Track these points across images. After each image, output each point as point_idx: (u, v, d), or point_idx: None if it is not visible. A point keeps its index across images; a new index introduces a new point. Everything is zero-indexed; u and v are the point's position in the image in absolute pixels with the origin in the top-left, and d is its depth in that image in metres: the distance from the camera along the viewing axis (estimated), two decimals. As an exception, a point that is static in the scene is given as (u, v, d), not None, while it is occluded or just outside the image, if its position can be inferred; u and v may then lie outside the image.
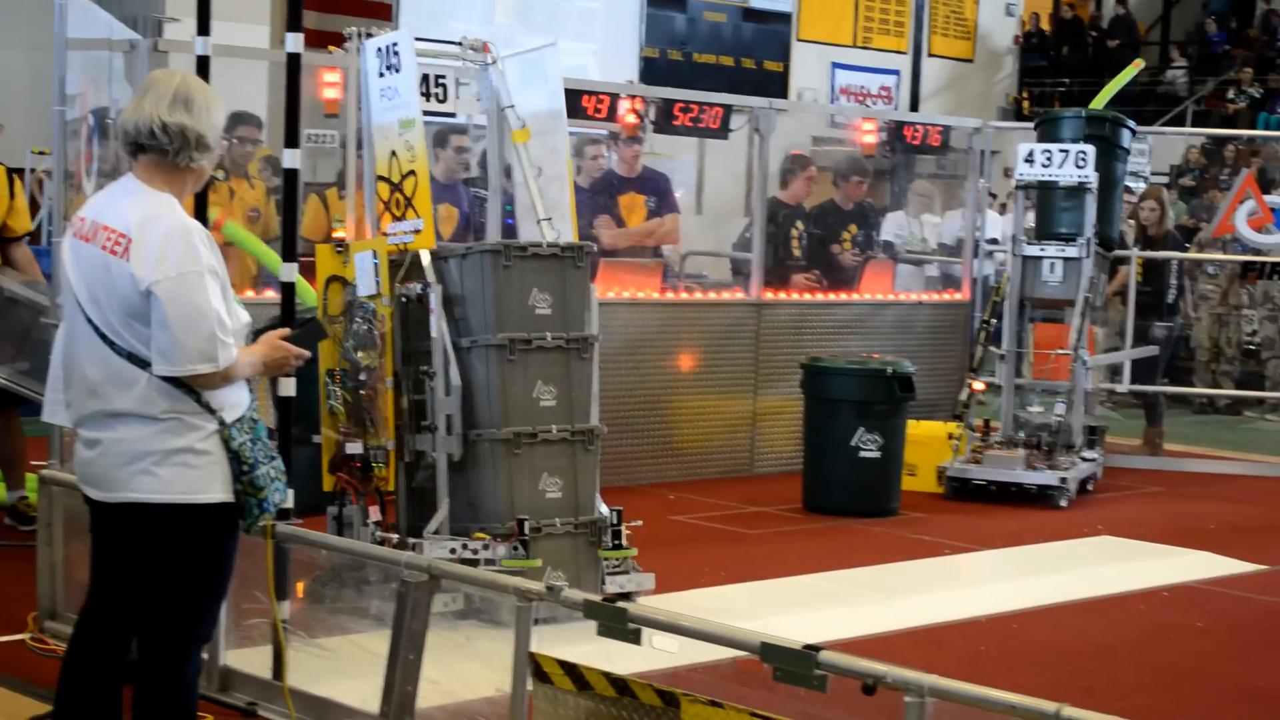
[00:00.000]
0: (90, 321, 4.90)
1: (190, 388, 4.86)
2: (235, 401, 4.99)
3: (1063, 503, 11.78)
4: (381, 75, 8.05)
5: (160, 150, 4.94)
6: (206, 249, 4.89)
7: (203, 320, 4.79)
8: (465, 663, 6.71)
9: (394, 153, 7.97)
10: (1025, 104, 28.39)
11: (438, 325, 7.74)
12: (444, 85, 8.72)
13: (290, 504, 6.07)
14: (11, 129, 17.72)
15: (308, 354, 5.31)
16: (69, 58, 8.62)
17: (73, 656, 5.19)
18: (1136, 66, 13.83)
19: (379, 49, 8.05)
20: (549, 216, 8.24)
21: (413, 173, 7.87)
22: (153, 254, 4.78)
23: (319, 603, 7.64)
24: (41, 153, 16.98)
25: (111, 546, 5.11)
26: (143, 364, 4.85)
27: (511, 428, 7.71)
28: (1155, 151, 23.35)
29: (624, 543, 8.09)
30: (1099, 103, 13.86)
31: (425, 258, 7.86)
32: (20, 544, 8.75)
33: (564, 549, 7.82)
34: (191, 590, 5.04)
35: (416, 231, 7.88)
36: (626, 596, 7.84)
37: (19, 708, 6.45)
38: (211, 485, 4.93)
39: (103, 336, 4.88)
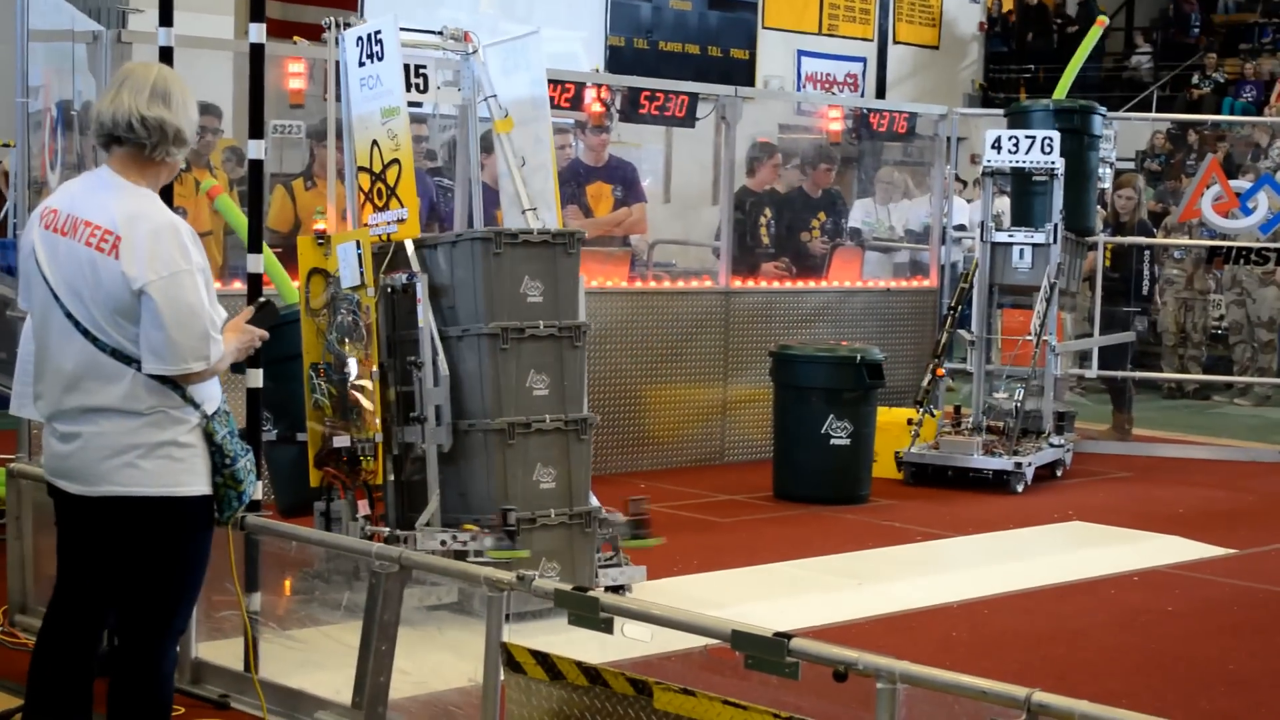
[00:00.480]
0: (70, 316, 4.85)
1: (175, 382, 4.84)
2: (212, 394, 4.98)
3: (1019, 488, 11.82)
4: (362, 64, 8.01)
5: (138, 144, 4.90)
6: (194, 246, 4.86)
7: (196, 319, 4.78)
8: (437, 653, 6.71)
9: (375, 142, 7.94)
10: (987, 90, 28.44)
11: (424, 315, 7.70)
12: (424, 75, 8.69)
13: (259, 495, 6.05)
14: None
15: (267, 334, 5.31)
16: (32, 49, 8.58)
17: (42, 651, 5.15)
18: (1100, 26, 13.83)
19: (359, 38, 8.02)
20: (534, 206, 8.22)
21: (396, 161, 7.84)
22: (143, 253, 4.74)
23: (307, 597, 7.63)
24: (5, 144, 16.85)
25: (83, 540, 5.06)
26: (126, 360, 4.81)
27: (505, 418, 7.64)
28: (1121, 137, 23.44)
29: (645, 532, 8.16)
30: (1067, 76, 13.86)
31: (410, 247, 7.83)
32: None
33: (558, 539, 7.75)
34: (170, 584, 5.00)
35: (401, 221, 7.85)
36: (619, 589, 7.85)
37: (-12, 702, 6.43)
38: (194, 478, 4.92)
39: (84, 332, 4.83)
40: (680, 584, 8.66)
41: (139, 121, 4.87)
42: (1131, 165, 23.13)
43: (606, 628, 5.07)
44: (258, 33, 6.58)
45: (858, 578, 9.15)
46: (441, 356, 7.72)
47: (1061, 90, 13.77)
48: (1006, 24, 29.93)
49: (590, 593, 5.15)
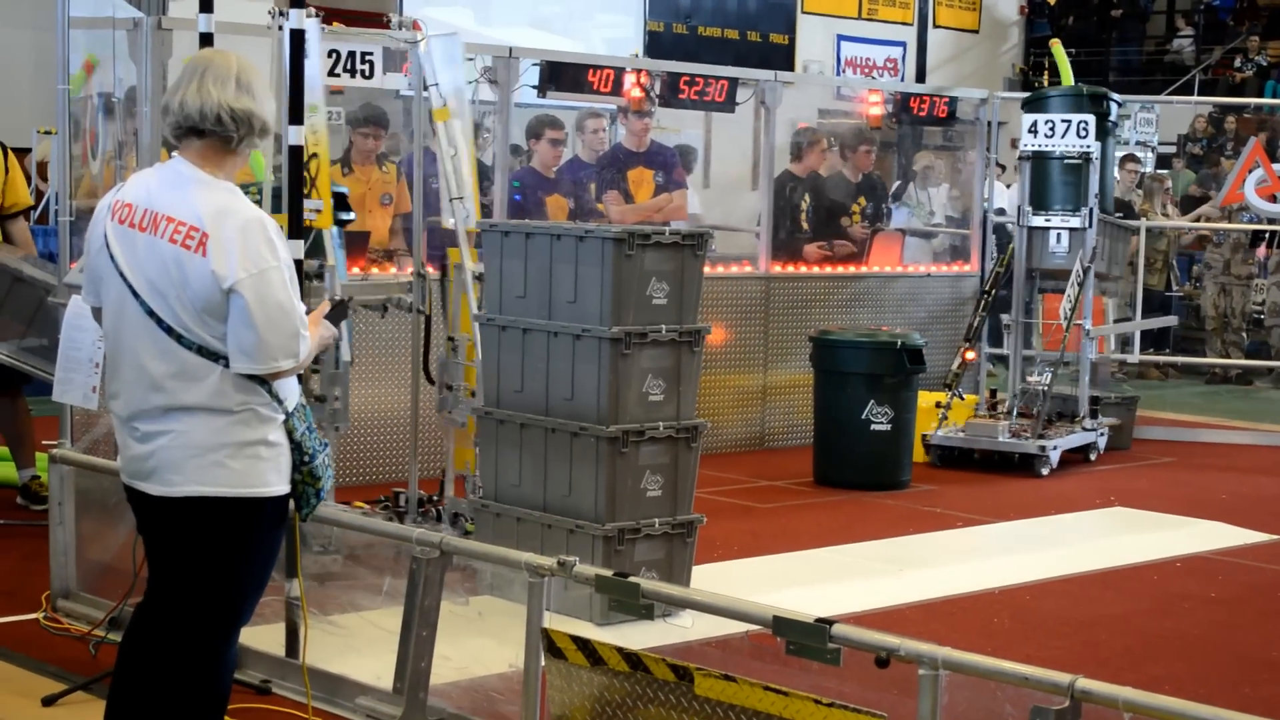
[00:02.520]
0: (152, 314, 4.71)
1: (262, 379, 4.72)
2: (292, 390, 4.88)
3: (1043, 471, 11.82)
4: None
5: (224, 137, 4.77)
6: (280, 241, 4.73)
7: (286, 318, 4.66)
8: (478, 639, 6.71)
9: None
10: (1028, 74, 28.31)
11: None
12: (370, 62, 8.73)
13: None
14: (17, 108, 17.76)
15: (338, 333, 5.30)
16: (73, 36, 8.59)
17: (129, 651, 5.01)
18: (1056, 45, 13.81)
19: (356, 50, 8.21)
20: (461, 195, 8.27)
21: (315, 155, 7.86)
22: (233, 250, 4.61)
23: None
24: (48, 132, 16.93)
25: (168, 541, 4.91)
26: (213, 357, 4.68)
27: (619, 425, 7.49)
28: (1162, 121, 23.35)
29: None
30: (1064, 72, 13.78)
31: (327, 238, 7.86)
32: (31, 524, 8.75)
33: (659, 549, 7.66)
34: (241, 579, 4.89)
35: (317, 211, 7.87)
36: None
37: (33, 686, 6.45)
38: (278, 477, 4.81)
39: (168, 330, 4.70)
40: (721, 570, 8.65)
41: (228, 114, 4.73)
42: (1173, 149, 23.04)
43: (647, 614, 5.07)
44: (298, 19, 6.58)
45: (899, 564, 9.13)
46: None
47: (1066, 78, 13.70)
48: (1047, 7, 29.79)
49: (630, 578, 5.14)
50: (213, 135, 4.77)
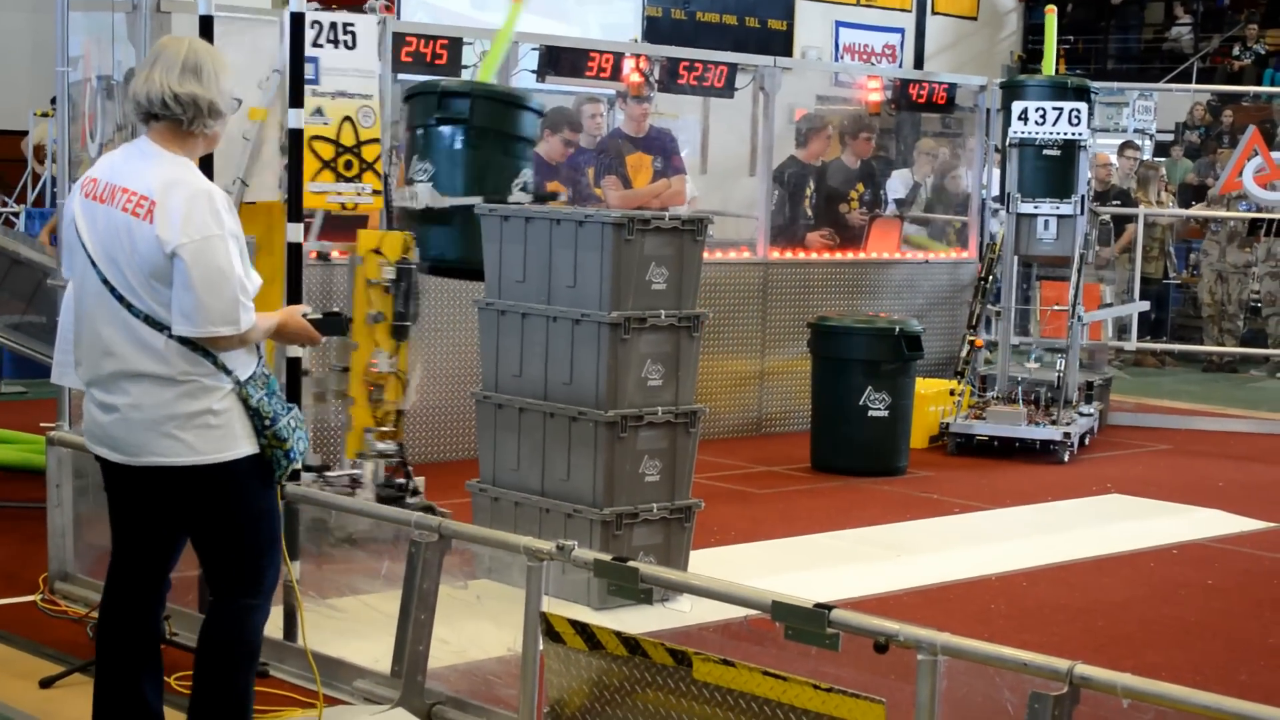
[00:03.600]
0: (106, 282, 4.91)
1: (206, 350, 4.89)
2: (246, 361, 5.02)
3: (1065, 457, 11.86)
4: (320, 45, 8.50)
5: (174, 119, 4.96)
6: (227, 213, 4.92)
7: (225, 283, 4.82)
8: (476, 622, 6.72)
9: (349, 118, 8.42)
10: (1026, 62, 28.28)
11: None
12: (352, 33, 8.77)
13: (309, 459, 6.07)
14: (14, 91, 17.74)
15: (320, 339, 5.39)
16: (72, 19, 8.58)
17: (107, 618, 5.24)
18: (1051, 14, 13.77)
19: (329, 23, 8.42)
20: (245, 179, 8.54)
21: (376, 139, 8.17)
22: (177, 217, 4.81)
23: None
24: (45, 115, 16.92)
25: (134, 506, 5.14)
26: (160, 326, 4.86)
27: (618, 410, 7.49)
28: (1160, 109, 23.35)
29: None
30: (1048, 62, 13.73)
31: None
32: (29, 505, 8.74)
33: (657, 534, 7.67)
34: (243, 542, 5.10)
35: (377, 194, 8.31)
36: None
37: (31, 668, 6.46)
38: (234, 442, 4.97)
39: (119, 298, 4.89)
40: (719, 555, 8.66)
41: (172, 99, 4.93)
42: (1171, 137, 23.05)
43: (646, 598, 5.07)
44: (298, 1, 6.58)
45: (896, 549, 9.13)
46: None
47: (1048, 68, 13.69)
48: (1045, -5, 29.77)
49: (629, 563, 5.14)
50: (164, 119, 4.97)
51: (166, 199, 4.84)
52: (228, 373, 4.93)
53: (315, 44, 8.24)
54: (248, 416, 4.97)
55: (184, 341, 4.86)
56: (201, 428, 4.90)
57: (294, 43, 6.61)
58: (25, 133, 17.73)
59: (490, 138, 7.94)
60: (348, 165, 8.14)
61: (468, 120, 8.35)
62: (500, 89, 8.94)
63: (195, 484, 4.96)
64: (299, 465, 5.23)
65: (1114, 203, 15.50)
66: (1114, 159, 17.09)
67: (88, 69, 9.05)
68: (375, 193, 8.27)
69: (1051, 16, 13.59)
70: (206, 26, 6.49)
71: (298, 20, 6.62)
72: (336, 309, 5.44)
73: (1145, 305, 14.27)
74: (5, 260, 9.30)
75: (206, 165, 5.58)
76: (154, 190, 4.86)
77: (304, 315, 5.28)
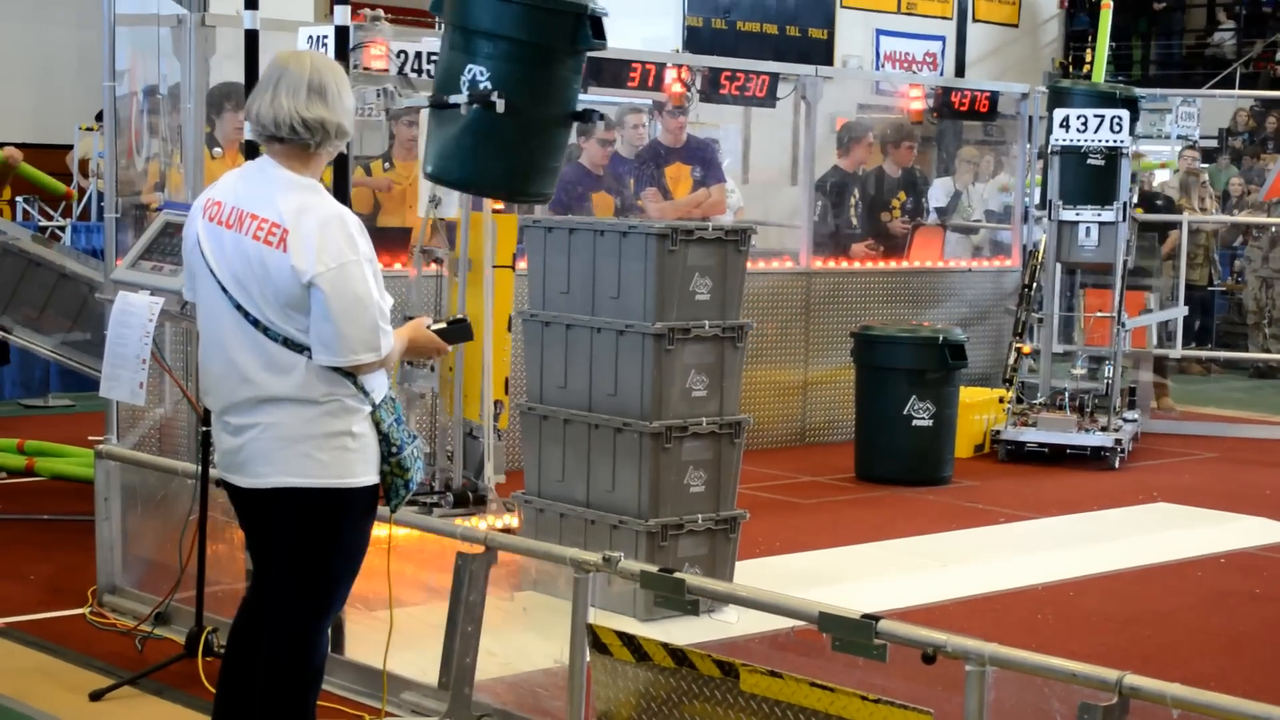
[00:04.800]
0: (239, 308, 4.82)
1: (347, 371, 4.82)
2: (380, 383, 4.96)
3: (1116, 463, 11.88)
4: None
5: (301, 143, 4.87)
6: (361, 236, 4.82)
7: (365, 311, 4.75)
8: (523, 634, 6.72)
9: None
10: (1068, 68, 28.21)
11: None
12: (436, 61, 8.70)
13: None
14: (60, 105, 17.86)
15: (448, 349, 5.34)
16: (117, 34, 8.63)
17: (235, 644, 5.15)
18: (1107, 9, 13.70)
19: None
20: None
21: None
22: (312, 245, 4.71)
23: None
24: (89, 129, 17.03)
25: (265, 532, 5.04)
26: (299, 348, 4.79)
27: (663, 421, 7.47)
28: (1204, 115, 23.22)
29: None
30: (1099, 60, 13.70)
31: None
32: (77, 518, 8.78)
33: (702, 544, 7.65)
34: (332, 571, 5.00)
35: None
36: None
37: (81, 681, 6.50)
38: (366, 468, 4.90)
39: (254, 322, 4.80)
40: (764, 565, 8.65)
41: (300, 124, 4.83)
42: (1215, 143, 22.95)
43: (692, 609, 5.08)
44: (342, 14, 6.62)
45: (942, 559, 9.11)
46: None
47: (1098, 73, 13.65)
48: (1087, 1, 29.67)
49: (675, 574, 5.14)
50: (290, 142, 4.86)
51: (299, 226, 4.74)
52: (366, 394, 4.88)
53: (401, 72, 8.11)
54: (377, 442, 4.93)
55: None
56: (339, 449, 4.84)
57: (339, 56, 6.64)
58: (71, 147, 17.83)
59: (451, 31, 7.13)
60: None
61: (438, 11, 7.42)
62: None
63: (315, 506, 4.87)
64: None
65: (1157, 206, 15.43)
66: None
67: (133, 83, 9.10)
68: None
69: (1106, 13, 13.55)
70: (252, 40, 6.53)
71: (342, 34, 6.65)
72: (460, 315, 5.36)
73: (1184, 310, 14.21)
74: (53, 275, 9.35)
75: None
76: (285, 217, 4.76)
77: (428, 326, 5.21)
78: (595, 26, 6.94)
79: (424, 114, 7.32)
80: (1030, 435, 12.14)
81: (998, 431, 12.15)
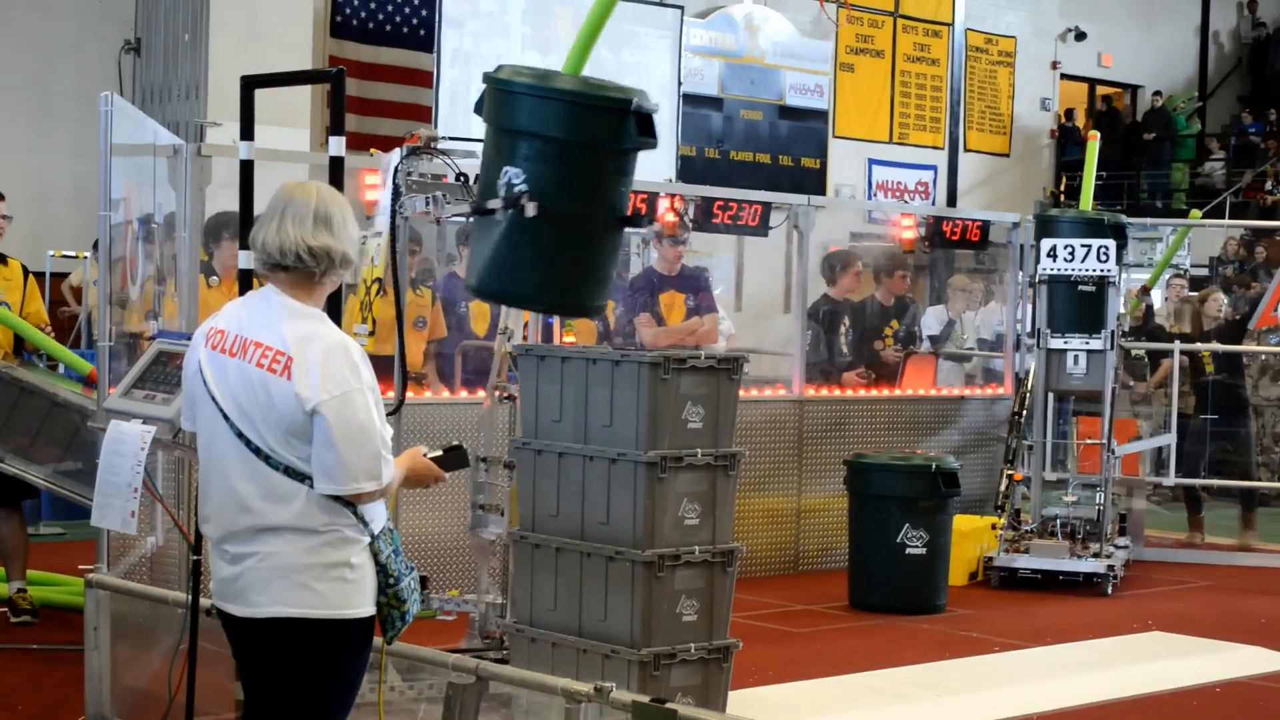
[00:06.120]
0: (241, 436, 4.83)
1: (348, 500, 4.82)
2: (379, 513, 4.95)
3: (1109, 589, 11.91)
4: (382, 188, 8.18)
5: (306, 272, 4.91)
6: (364, 365, 4.84)
7: (367, 439, 4.76)
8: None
9: (371, 258, 8.09)
10: (1059, 197, 28.41)
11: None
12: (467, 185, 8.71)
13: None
14: (55, 232, 17.93)
15: (446, 477, 5.32)
16: (113, 163, 8.70)
17: None
18: (1094, 140, 13.82)
19: (384, 164, 8.21)
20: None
21: (378, 280, 7.93)
22: (316, 373, 4.74)
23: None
24: (80, 256, 17.05)
25: (258, 663, 4.98)
26: (300, 477, 4.79)
27: (655, 549, 7.41)
28: (1194, 244, 23.39)
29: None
30: (1086, 188, 13.79)
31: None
32: (66, 647, 8.73)
33: (694, 674, 7.56)
34: (326, 703, 4.95)
35: (371, 335, 7.95)
36: None
37: (66, 814, 6.44)
38: (363, 599, 4.88)
39: (256, 451, 4.81)
40: (757, 695, 8.59)
41: (306, 252, 4.86)
42: (1205, 271, 23.07)
43: (685, 740, 5.04)
44: (337, 145, 6.67)
45: (936, 689, 9.06)
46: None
47: (1085, 201, 13.75)
48: (1078, 132, 29.94)
49: (668, 704, 5.11)
50: (295, 270, 4.89)
51: (304, 354, 4.77)
52: (365, 525, 4.87)
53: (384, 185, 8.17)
54: (375, 573, 4.91)
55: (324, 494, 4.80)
56: (337, 580, 4.82)
57: (333, 185, 6.66)
58: (66, 275, 17.89)
59: (491, 133, 7.03)
60: (364, 306, 8.11)
61: (480, 113, 7.31)
62: (507, 71, 7.18)
63: (310, 638, 4.83)
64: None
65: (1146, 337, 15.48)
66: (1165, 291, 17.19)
67: (129, 212, 9.14)
68: (370, 334, 8.15)
69: (1094, 144, 13.65)
70: (247, 170, 6.58)
71: (337, 164, 6.70)
72: (456, 442, 5.36)
73: (1171, 438, 14.23)
74: (45, 403, 9.35)
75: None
76: (290, 345, 4.79)
77: (424, 454, 5.22)
78: (643, 123, 6.76)
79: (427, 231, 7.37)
80: (1023, 562, 12.14)
81: (990, 558, 12.13)
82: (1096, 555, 12.02)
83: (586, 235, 6.85)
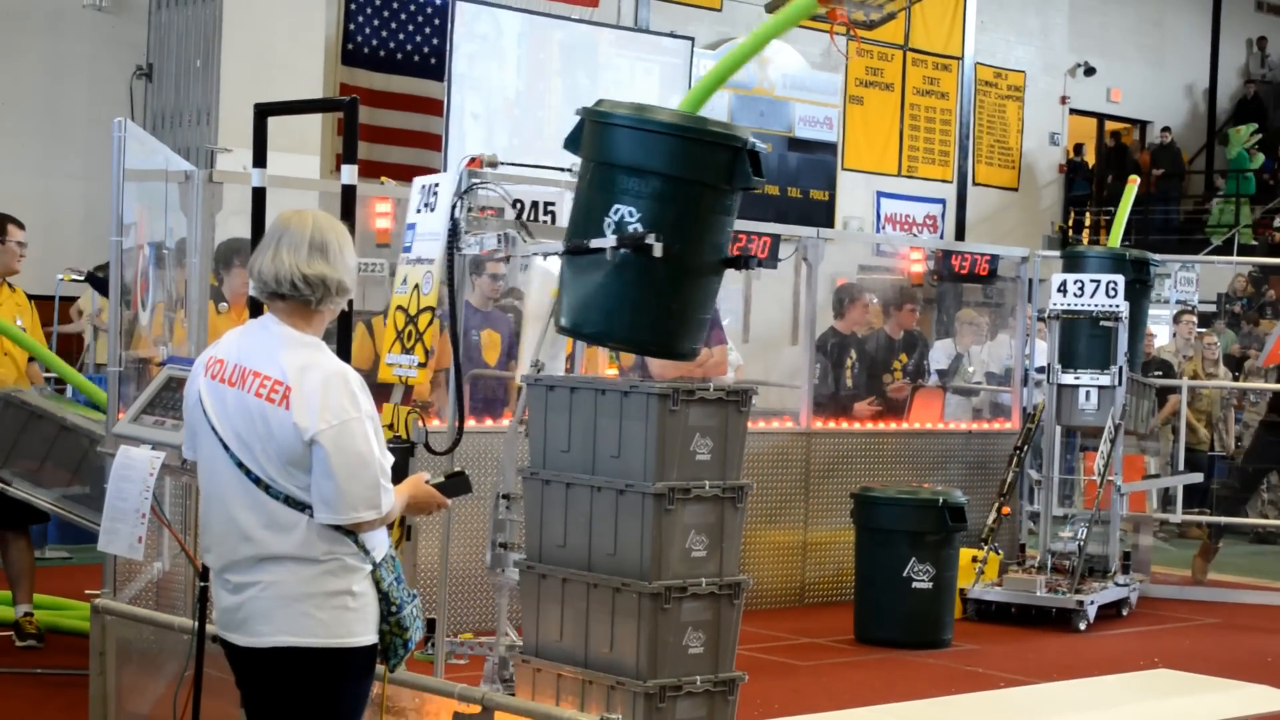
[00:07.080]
0: (241, 466, 4.83)
1: (348, 529, 4.81)
2: (380, 541, 4.95)
3: (1080, 625, 11.87)
4: (419, 211, 8.14)
5: (302, 301, 4.90)
6: (362, 393, 4.84)
7: (366, 469, 4.76)
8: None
9: (416, 286, 8.04)
10: (1068, 232, 28.44)
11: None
12: (553, 212, 8.63)
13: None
14: (65, 256, 17.93)
15: (448, 504, 5.32)
16: (125, 188, 8.71)
17: None
18: (1133, 184, 13.85)
19: (423, 186, 8.14)
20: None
21: (430, 309, 7.91)
22: (314, 402, 4.73)
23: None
24: (73, 280, 17.02)
25: (262, 693, 4.97)
26: (300, 506, 4.78)
27: (662, 581, 7.34)
28: (1202, 281, 23.41)
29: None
30: (1117, 227, 13.82)
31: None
32: (72, 672, 8.72)
33: (700, 707, 7.49)
34: None
35: (420, 366, 7.99)
36: None
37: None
38: (365, 627, 4.88)
39: (256, 481, 4.81)
40: (762, 728, 8.58)
41: (301, 280, 4.85)
42: (1214, 308, 23.08)
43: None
44: (349, 174, 6.68)
45: (942, 724, 9.05)
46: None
47: (1114, 239, 13.77)
48: (1086, 167, 29.97)
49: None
50: (292, 299, 4.89)
51: (302, 383, 4.76)
52: (367, 553, 4.87)
53: (418, 210, 8.18)
54: (377, 601, 4.91)
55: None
56: (339, 609, 4.81)
57: (346, 214, 6.68)
58: (76, 298, 17.90)
59: (589, 169, 6.79)
60: (410, 335, 8.09)
61: (575, 149, 7.05)
62: (608, 105, 6.98)
63: (312, 666, 4.82)
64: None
65: (1155, 373, 15.47)
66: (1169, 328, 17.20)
67: (140, 237, 9.16)
68: (420, 365, 8.17)
69: (1131, 188, 13.66)
70: (259, 197, 6.59)
71: (349, 192, 6.70)
72: (458, 469, 5.36)
73: (1199, 477, 14.23)
74: (53, 427, 9.35)
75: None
76: (288, 374, 4.79)
77: (427, 481, 5.23)
78: (754, 162, 6.63)
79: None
80: (995, 594, 12.19)
81: (963, 590, 12.07)
82: (1079, 590, 12.03)
83: (697, 277, 6.74)
